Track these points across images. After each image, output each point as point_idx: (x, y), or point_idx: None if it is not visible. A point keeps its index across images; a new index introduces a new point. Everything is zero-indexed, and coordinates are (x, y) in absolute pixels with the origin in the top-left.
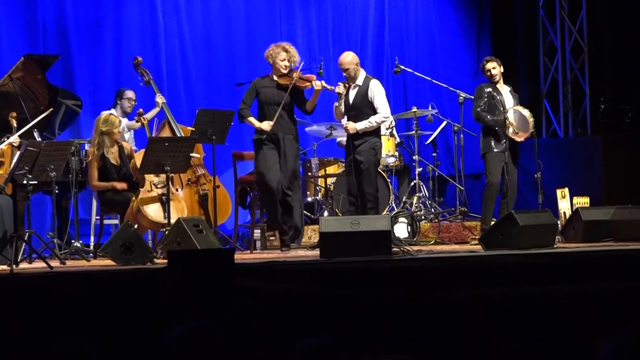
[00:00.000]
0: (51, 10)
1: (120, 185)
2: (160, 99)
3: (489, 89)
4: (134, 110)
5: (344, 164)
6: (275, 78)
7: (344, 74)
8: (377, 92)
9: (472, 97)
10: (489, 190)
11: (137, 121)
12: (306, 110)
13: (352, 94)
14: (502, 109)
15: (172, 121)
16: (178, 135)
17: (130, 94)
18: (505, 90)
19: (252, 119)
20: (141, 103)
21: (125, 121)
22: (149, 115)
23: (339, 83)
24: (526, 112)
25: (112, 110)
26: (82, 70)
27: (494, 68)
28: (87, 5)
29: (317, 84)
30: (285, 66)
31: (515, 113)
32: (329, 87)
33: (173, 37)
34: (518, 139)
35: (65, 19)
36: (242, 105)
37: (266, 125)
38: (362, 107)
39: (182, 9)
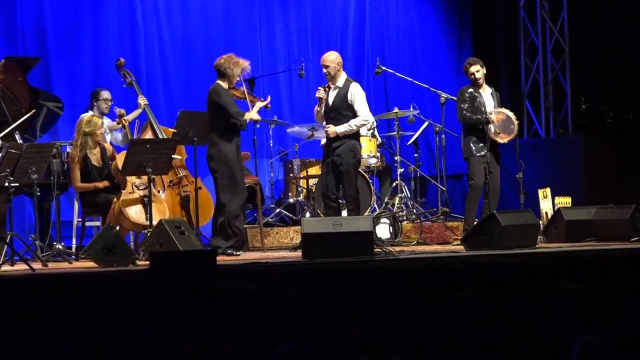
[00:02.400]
0: (30, 12)
1: (103, 184)
2: (142, 100)
3: (471, 90)
4: (112, 111)
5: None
6: (225, 86)
7: (324, 71)
8: (357, 95)
9: (454, 97)
10: (472, 192)
11: (118, 122)
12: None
13: (332, 95)
14: (483, 109)
15: (155, 123)
16: (160, 137)
17: (105, 94)
18: (487, 91)
19: (247, 114)
20: (123, 104)
21: (107, 122)
22: (131, 116)
23: (319, 87)
24: (512, 115)
25: (91, 112)
26: (60, 72)
27: (478, 71)
28: (65, 7)
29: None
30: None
31: (499, 113)
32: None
33: (152, 39)
34: (500, 141)
35: (43, 22)
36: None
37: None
38: (341, 109)
39: (161, 11)
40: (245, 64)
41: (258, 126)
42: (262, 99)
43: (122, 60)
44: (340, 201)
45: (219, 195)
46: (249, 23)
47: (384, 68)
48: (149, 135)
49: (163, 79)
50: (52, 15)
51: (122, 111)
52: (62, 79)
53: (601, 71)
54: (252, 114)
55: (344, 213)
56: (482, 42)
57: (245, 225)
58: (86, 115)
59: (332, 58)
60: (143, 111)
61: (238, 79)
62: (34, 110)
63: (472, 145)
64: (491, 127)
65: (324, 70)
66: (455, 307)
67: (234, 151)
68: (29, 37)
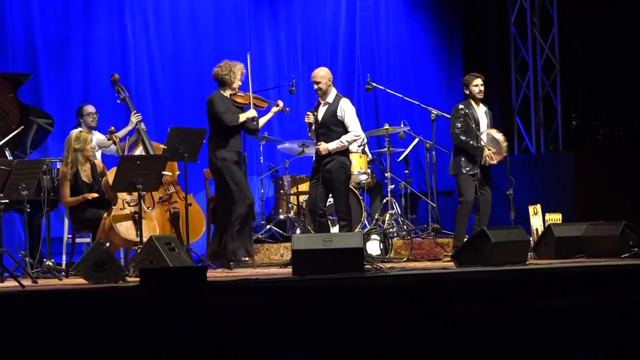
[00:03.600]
0: (20, 28)
1: (91, 195)
2: (135, 117)
3: (461, 107)
4: (101, 125)
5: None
6: (226, 94)
7: (315, 87)
8: (348, 110)
9: (445, 114)
10: (462, 209)
11: (108, 139)
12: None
13: (322, 111)
14: (475, 128)
15: (146, 139)
16: (152, 153)
17: (90, 108)
18: (481, 109)
19: (242, 115)
20: (113, 120)
21: (97, 137)
22: (121, 133)
23: (308, 113)
24: (499, 136)
25: (79, 129)
26: (50, 88)
27: (482, 85)
28: (56, 23)
29: (280, 105)
30: (240, 84)
31: (488, 136)
32: (285, 109)
33: (142, 55)
34: (492, 162)
35: (34, 37)
36: (229, 113)
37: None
38: (331, 125)
39: (151, 27)
40: (241, 65)
41: (255, 123)
42: (274, 102)
43: (117, 76)
44: (330, 217)
45: (224, 201)
46: (239, 39)
47: (374, 84)
48: (139, 151)
49: (152, 95)
50: (43, 31)
51: (112, 128)
52: (52, 95)
53: (591, 88)
54: (248, 113)
55: (335, 229)
56: (473, 59)
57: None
58: (75, 132)
59: (322, 74)
60: (134, 127)
61: (240, 82)
62: (22, 127)
63: (462, 163)
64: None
65: (315, 87)
66: (445, 323)
67: (233, 156)
68: (19, 52)
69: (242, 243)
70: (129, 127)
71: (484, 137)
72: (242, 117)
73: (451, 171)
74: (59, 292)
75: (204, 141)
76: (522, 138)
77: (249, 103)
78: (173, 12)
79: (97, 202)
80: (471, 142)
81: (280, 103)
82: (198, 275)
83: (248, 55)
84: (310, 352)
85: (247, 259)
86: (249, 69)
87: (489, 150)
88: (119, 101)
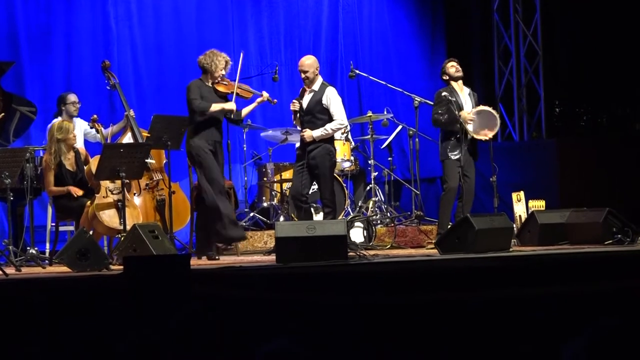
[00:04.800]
0: (2, 16)
1: (75, 191)
2: (130, 114)
3: (445, 94)
4: (83, 113)
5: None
6: (208, 83)
7: (302, 76)
8: (333, 99)
9: (428, 101)
10: (446, 195)
11: (91, 127)
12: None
13: (307, 98)
14: (457, 112)
15: (135, 127)
16: (140, 141)
17: (72, 97)
18: (464, 92)
19: (215, 105)
20: (100, 108)
21: (83, 125)
22: (115, 128)
23: (293, 100)
24: (490, 109)
25: (60, 118)
26: (33, 76)
27: (457, 64)
28: (38, 11)
29: (265, 96)
30: (223, 74)
31: (480, 113)
32: (272, 100)
33: (125, 43)
34: (484, 138)
35: (16, 26)
36: (200, 100)
37: (232, 105)
38: (315, 113)
39: (134, 15)
40: (226, 56)
41: (232, 116)
42: (259, 93)
43: (108, 62)
44: (314, 205)
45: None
46: (222, 27)
47: (357, 72)
48: (127, 138)
49: (136, 83)
50: (25, 19)
51: (95, 116)
52: (35, 84)
53: (575, 75)
54: (224, 105)
55: (319, 216)
56: (456, 46)
57: None
58: (57, 121)
59: (309, 62)
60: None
61: (222, 72)
62: (3, 114)
63: (448, 147)
64: (468, 127)
65: (303, 75)
66: (429, 311)
67: (206, 145)
68: (1, 40)
69: (231, 226)
70: (122, 125)
71: (474, 116)
72: (215, 107)
73: (440, 156)
74: (43, 280)
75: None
76: (506, 125)
77: (232, 92)
78: (156, 0)
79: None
80: (443, 118)
81: (265, 94)
82: (181, 263)
83: (241, 54)
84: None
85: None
86: (239, 66)
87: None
88: (108, 87)
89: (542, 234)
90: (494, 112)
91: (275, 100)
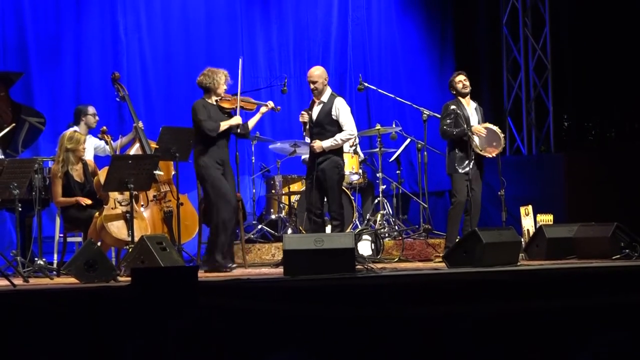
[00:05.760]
0: (11, 25)
1: (84, 201)
2: (139, 126)
3: (453, 107)
4: (98, 126)
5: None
6: (211, 101)
7: (311, 87)
8: (342, 110)
9: (436, 114)
10: (455, 209)
11: (100, 138)
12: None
13: (316, 110)
14: (465, 125)
15: (144, 138)
16: (149, 153)
17: (92, 109)
18: (471, 106)
19: (223, 123)
20: (108, 120)
21: (95, 141)
22: (124, 140)
23: (302, 112)
24: (496, 128)
25: (76, 128)
26: (42, 87)
27: (465, 80)
28: (47, 21)
29: (269, 105)
30: (225, 89)
31: (487, 130)
32: (276, 107)
33: (134, 55)
34: (488, 155)
35: (25, 36)
36: (209, 121)
37: (239, 119)
38: (325, 124)
39: (143, 26)
40: (223, 71)
41: (239, 130)
42: (263, 103)
43: (117, 74)
44: (325, 217)
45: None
46: (231, 39)
47: (366, 84)
48: (136, 149)
49: (144, 94)
50: (34, 29)
51: (104, 128)
52: (44, 94)
53: (583, 89)
54: (233, 119)
55: (328, 229)
56: (465, 59)
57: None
58: (69, 131)
59: (318, 73)
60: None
61: (225, 87)
62: (13, 125)
63: (455, 161)
64: (475, 140)
65: (312, 86)
66: (436, 324)
67: (215, 163)
68: (10, 51)
69: (227, 252)
70: (131, 136)
71: (479, 127)
72: (224, 124)
73: (447, 169)
74: (51, 291)
75: None
76: (514, 139)
77: (236, 107)
78: (165, 11)
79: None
80: (457, 131)
81: (270, 103)
82: (189, 275)
83: (240, 60)
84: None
85: (234, 265)
86: (239, 74)
87: (481, 137)
88: (118, 99)
89: (550, 248)
90: (499, 132)
91: (279, 107)
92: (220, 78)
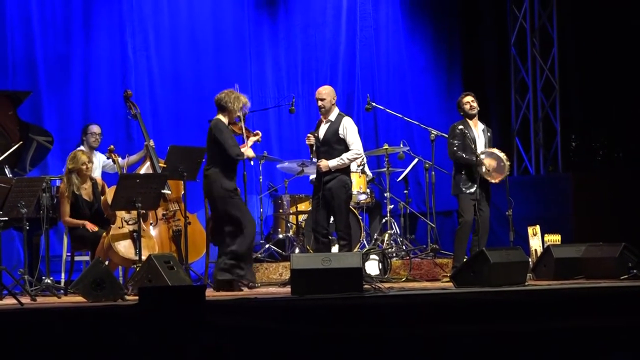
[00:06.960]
0: (20, 45)
1: (91, 227)
2: (150, 144)
3: (461, 127)
4: (103, 145)
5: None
6: (225, 122)
7: (319, 104)
8: (350, 129)
9: (444, 134)
10: (462, 229)
11: (107, 157)
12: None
13: (324, 129)
14: (473, 146)
15: (154, 157)
16: (159, 172)
17: (93, 128)
18: (478, 128)
19: (246, 152)
20: (117, 138)
21: (102, 159)
22: (133, 159)
23: (308, 135)
24: (502, 155)
25: (82, 147)
26: (50, 106)
27: (473, 101)
28: (56, 40)
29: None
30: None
31: (491, 155)
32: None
33: (142, 74)
34: (493, 181)
35: (34, 54)
36: (237, 147)
37: (252, 153)
38: (332, 143)
39: (151, 45)
40: (245, 99)
41: (252, 163)
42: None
43: (130, 92)
44: (331, 237)
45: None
46: (239, 58)
47: (374, 104)
48: (146, 168)
49: (152, 113)
50: (43, 48)
51: (112, 147)
52: (52, 113)
53: (591, 109)
54: (247, 151)
55: (335, 249)
56: (472, 80)
57: None
58: (74, 151)
59: (327, 91)
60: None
61: (239, 114)
62: (21, 142)
63: (461, 182)
64: (483, 168)
65: (319, 104)
66: (444, 344)
67: (234, 186)
68: (19, 69)
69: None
70: (141, 154)
71: (484, 155)
72: (247, 153)
73: (452, 190)
74: (58, 310)
75: (203, 160)
76: (522, 159)
77: (242, 134)
78: (173, 30)
79: (96, 221)
80: (467, 157)
81: (258, 133)
82: (196, 294)
83: (236, 86)
84: None
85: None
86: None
87: (485, 165)
88: (129, 117)
89: (558, 268)
90: (505, 159)
91: (260, 139)
92: (239, 104)
